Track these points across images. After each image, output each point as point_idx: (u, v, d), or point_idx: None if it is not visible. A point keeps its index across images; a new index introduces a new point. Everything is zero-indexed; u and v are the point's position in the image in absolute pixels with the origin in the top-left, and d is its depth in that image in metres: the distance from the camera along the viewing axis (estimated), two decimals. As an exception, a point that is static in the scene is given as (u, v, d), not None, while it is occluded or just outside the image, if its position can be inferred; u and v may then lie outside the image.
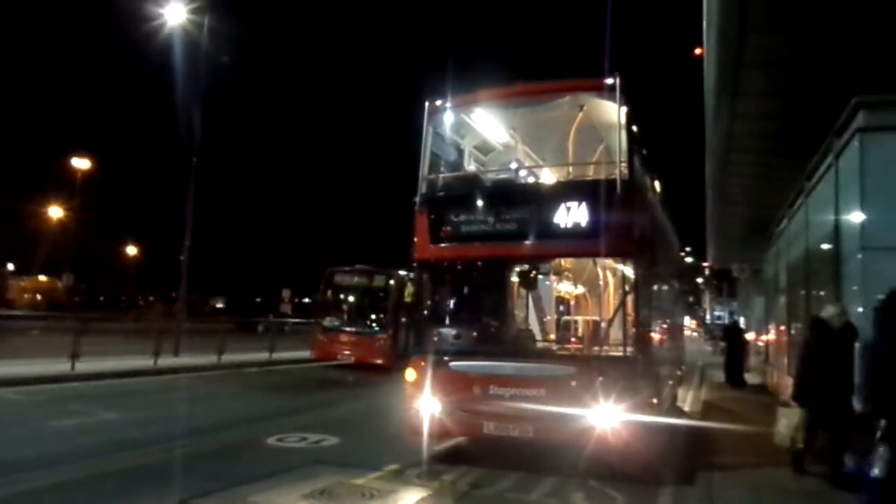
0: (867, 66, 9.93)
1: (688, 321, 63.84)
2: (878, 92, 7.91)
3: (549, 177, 9.71)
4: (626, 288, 7.58)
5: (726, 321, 38.68)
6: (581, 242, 7.54)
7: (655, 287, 9.67)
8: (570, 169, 9.49)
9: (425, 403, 7.74)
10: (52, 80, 74.22)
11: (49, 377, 13.66)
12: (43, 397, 11.94)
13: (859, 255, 7.83)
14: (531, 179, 9.28)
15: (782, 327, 15.41)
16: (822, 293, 10.20)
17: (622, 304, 7.66)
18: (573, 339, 10.40)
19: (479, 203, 8.02)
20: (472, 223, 7.99)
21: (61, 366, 14.53)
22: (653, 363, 8.49)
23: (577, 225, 7.37)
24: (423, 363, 7.95)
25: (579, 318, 11.40)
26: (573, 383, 7.15)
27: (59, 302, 39.61)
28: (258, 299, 58.31)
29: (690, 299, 64.67)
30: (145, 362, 16.48)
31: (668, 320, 11.92)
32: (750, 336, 25.64)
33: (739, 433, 10.86)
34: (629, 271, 7.58)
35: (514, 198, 8.15)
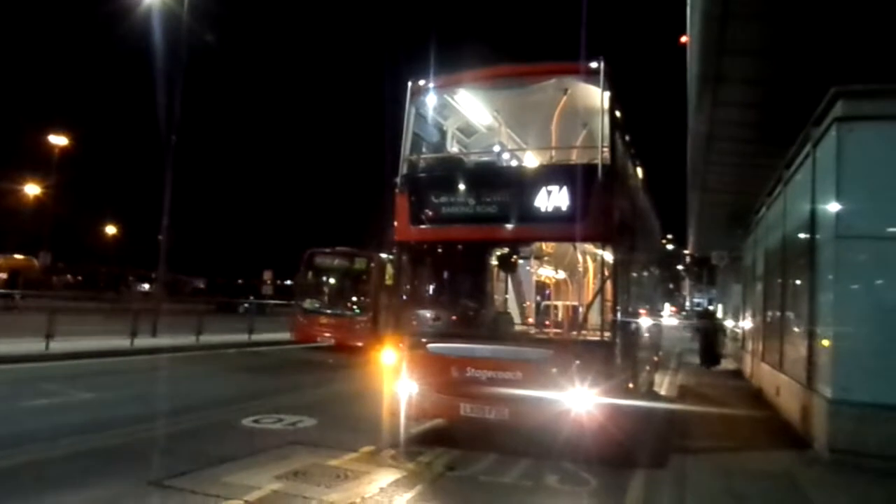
0: (847, 56, 9.99)
1: (668, 307, 64.60)
2: (857, 82, 7.95)
3: (531, 160, 9.68)
4: (605, 273, 7.60)
5: (710, 307, 39.14)
6: (561, 226, 7.52)
7: (634, 273, 9.70)
8: (553, 153, 9.47)
9: (403, 385, 7.78)
10: (28, 55, 72.62)
11: (23, 356, 13.51)
12: (16, 376, 11.80)
13: (834, 244, 7.91)
14: (513, 162, 9.26)
15: (759, 314, 15.60)
16: (797, 281, 10.31)
17: (601, 288, 7.69)
18: (552, 324, 10.42)
19: (461, 185, 7.99)
20: (453, 205, 7.96)
21: (36, 345, 14.36)
22: (629, 348, 8.54)
23: (557, 209, 7.36)
24: (401, 345, 7.97)
25: (559, 303, 11.47)
26: (550, 367, 7.20)
27: (36, 281, 39.03)
28: (240, 281, 57.90)
29: (671, 286, 65.42)
30: (122, 342, 16.33)
31: (646, 306, 12.01)
32: (728, 323, 25.98)
33: (714, 416, 10.99)
34: (608, 256, 7.61)
35: (495, 181, 8.12)
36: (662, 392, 14.09)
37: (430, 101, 8.85)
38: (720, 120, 14.07)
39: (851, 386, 7.49)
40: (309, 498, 5.77)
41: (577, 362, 7.08)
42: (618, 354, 7.52)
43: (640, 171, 11.13)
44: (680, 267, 57.15)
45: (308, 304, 20.76)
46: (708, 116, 14.11)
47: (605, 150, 7.42)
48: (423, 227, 8.11)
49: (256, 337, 21.13)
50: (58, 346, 14.55)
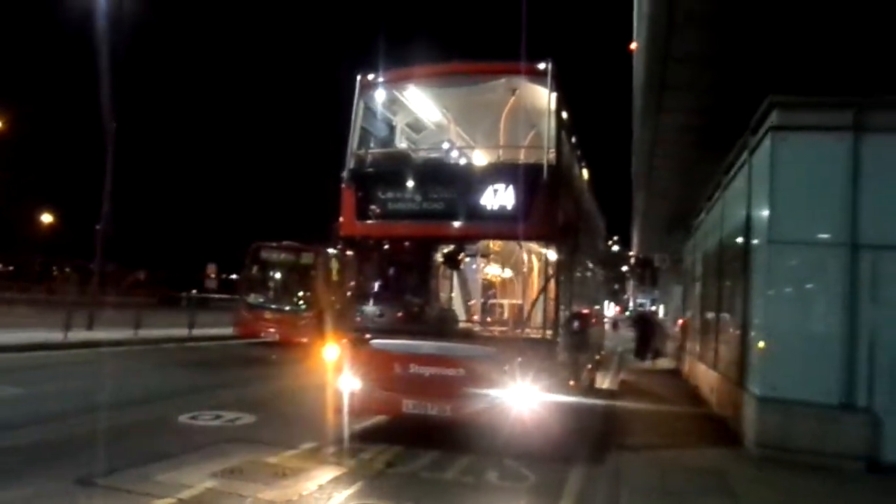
0: (787, 67, 10.39)
1: (613, 307, 65.95)
2: (796, 93, 8.28)
3: (479, 159, 9.77)
4: (549, 272, 7.70)
5: (651, 308, 40.23)
6: (506, 225, 7.55)
7: (578, 272, 9.85)
8: (501, 152, 9.54)
9: (345, 381, 7.76)
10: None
11: None
12: None
13: (766, 248, 8.22)
14: (461, 160, 9.30)
15: (696, 315, 16.07)
16: (732, 284, 10.67)
17: (544, 287, 7.78)
18: (496, 322, 10.47)
19: (408, 181, 7.99)
20: (399, 201, 7.96)
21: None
22: (571, 346, 8.69)
23: (502, 208, 7.42)
24: (344, 340, 7.95)
25: (505, 302, 11.50)
26: (492, 364, 7.28)
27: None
28: (183, 274, 56.40)
29: (616, 287, 66.87)
30: (55, 336, 15.71)
31: (588, 305, 12.18)
32: (669, 323, 26.73)
33: (652, 413, 11.33)
34: (552, 255, 7.70)
35: (442, 178, 8.15)
36: (605, 388, 14.44)
37: (380, 95, 8.80)
38: (664, 125, 14.45)
39: (778, 384, 7.80)
40: (245, 496, 5.67)
41: (519, 360, 7.17)
42: (559, 352, 7.63)
43: (585, 172, 11.32)
44: (625, 268, 58.44)
45: (252, 298, 20.39)
46: (652, 122, 14.48)
47: (551, 150, 7.52)
48: (368, 222, 8.07)
49: (198, 331, 20.62)
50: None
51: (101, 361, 13.82)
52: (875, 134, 7.82)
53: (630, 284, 63.84)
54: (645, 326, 23.16)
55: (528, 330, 8.23)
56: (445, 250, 9.03)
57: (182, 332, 20.16)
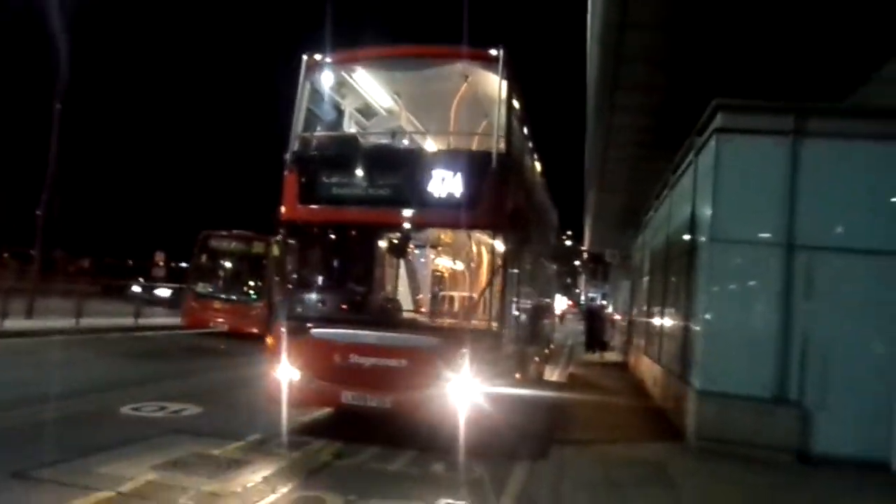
0: (735, 72, 10.71)
1: (565, 301, 66.88)
2: (743, 96, 8.54)
3: (428, 145, 9.64)
4: (496, 262, 7.61)
5: (601, 302, 41.01)
6: (452, 213, 7.37)
7: (527, 264, 9.83)
8: (451, 139, 9.38)
9: (284, 371, 7.58)
10: None
11: None
12: None
13: (709, 246, 8.48)
14: (409, 146, 9.10)
15: (643, 310, 16.47)
16: (676, 280, 10.98)
17: (491, 278, 7.67)
18: (443, 313, 10.37)
19: (352, 165, 7.78)
20: (343, 186, 7.77)
21: None
22: (518, 338, 8.67)
23: (450, 195, 7.27)
24: (283, 329, 7.71)
25: (455, 294, 11.37)
26: (434, 355, 7.15)
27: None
28: (130, 262, 54.80)
29: (568, 281, 67.86)
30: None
31: (537, 298, 12.21)
32: (617, 317, 27.35)
33: (597, 406, 11.44)
34: (499, 246, 7.58)
35: (387, 163, 7.95)
36: (553, 381, 14.69)
37: (326, 77, 8.57)
38: (616, 124, 14.71)
39: (718, 378, 8.09)
40: (187, 488, 5.59)
41: (462, 351, 7.03)
42: (504, 344, 7.54)
43: (537, 164, 11.35)
44: (577, 263, 59.35)
45: (201, 287, 20.00)
46: (605, 121, 14.73)
47: (501, 139, 7.40)
48: (311, 207, 7.85)
49: (144, 321, 20.14)
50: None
51: (40, 351, 13.40)
52: (814, 138, 8.14)
53: (582, 279, 64.89)
54: (594, 320, 23.79)
55: (472, 321, 8.06)
56: (390, 238, 8.75)
57: (127, 321, 19.65)
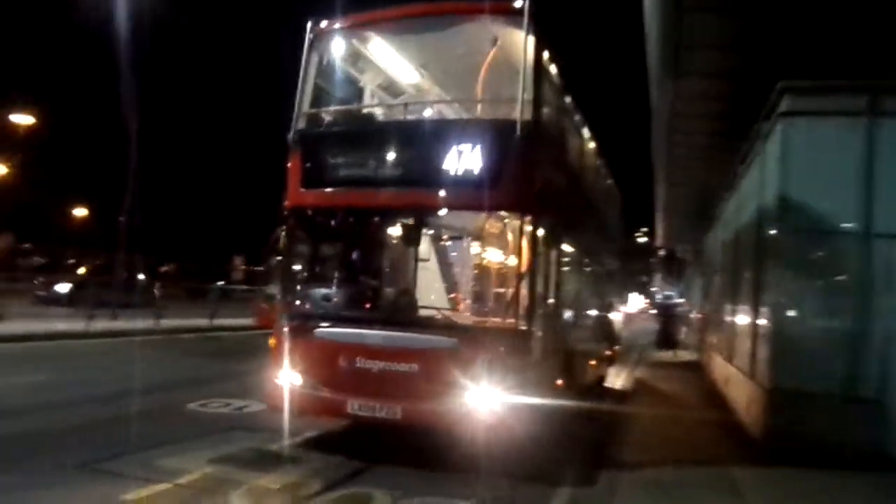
0: (801, 51, 10.11)
1: (639, 300, 64.97)
2: (813, 77, 8.04)
3: (445, 116, 8.68)
4: (525, 251, 6.39)
5: (675, 300, 39.77)
6: (468, 193, 6.43)
7: (575, 255, 8.88)
8: (470, 109, 8.35)
9: (285, 376, 6.80)
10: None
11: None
12: None
13: (778, 238, 8.04)
14: (422, 118, 8.09)
15: (715, 307, 15.82)
16: (746, 274, 10.47)
17: (521, 270, 6.47)
18: (485, 313, 8.95)
19: (360, 143, 7.12)
20: (348, 166, 7.02)
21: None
22: (559, 339, 7.59)
23: (466, 172, 6.34)
24: (286, 328, 6.96)
25: (501, 290, 9.41)
26: (447, 358, 6.21)
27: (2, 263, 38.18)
28: (212, 266, 57.20)
29: (643, 279, 66.08)
30: (79, 326, 16.06)
31: (593, 294, 11.19)
32: (692, 314, 26.44)
33: (660, 417, 10.19)
34: (528, 230, 6.34)
35: (400, 138, 7.07)
36: (616, 387, 13.66)
37: (337, 47, 7.75)
38: (681, 113, 14.20)
39: (790, 375, 7.62)
40: (241, 482, 5.74)
41: (484, 354, 6.09)
42: (535, 346, 6.50)
43: (589, 143, 10.31)
44: (651, 260, 57.73)
45: (269, 289, 20.58)
46: (668, 110, 14.23)
47: (528, 104, 6.37)
48: (315, 191, 7.12)
49: (220, 321, 20.93)
50: (9, 327, 14.30)
51: (121, 350, 14.12)
52: (891, 119, 7.57)
53: (657, 276, 63.09)
54: (667, 318, 23.65)
55: (497, 319, 7.00)
56: (404, 224, 7.75)
57: (203, 322, 20.48)
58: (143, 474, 5.76)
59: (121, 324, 17.89)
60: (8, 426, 7.20)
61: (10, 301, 17.53)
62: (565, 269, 8.09)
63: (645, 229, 47.71)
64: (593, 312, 11.48)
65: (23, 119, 39.09)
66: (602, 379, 13.04)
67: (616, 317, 15.85)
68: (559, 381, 7.52)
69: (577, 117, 9.24)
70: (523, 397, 6.07)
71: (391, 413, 6.33)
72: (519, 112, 6.32)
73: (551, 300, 7.27)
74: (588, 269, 10.50)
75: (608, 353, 13.68)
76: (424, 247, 8.37)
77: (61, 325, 15.97)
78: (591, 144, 10.62)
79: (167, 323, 18.83)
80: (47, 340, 14.46)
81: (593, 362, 11.25)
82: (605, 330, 13.05)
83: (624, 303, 23.89)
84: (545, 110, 6.80)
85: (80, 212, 56.87)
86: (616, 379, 14.75)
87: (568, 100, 8.37)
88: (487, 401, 6.01)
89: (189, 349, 15.91)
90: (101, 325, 16.78)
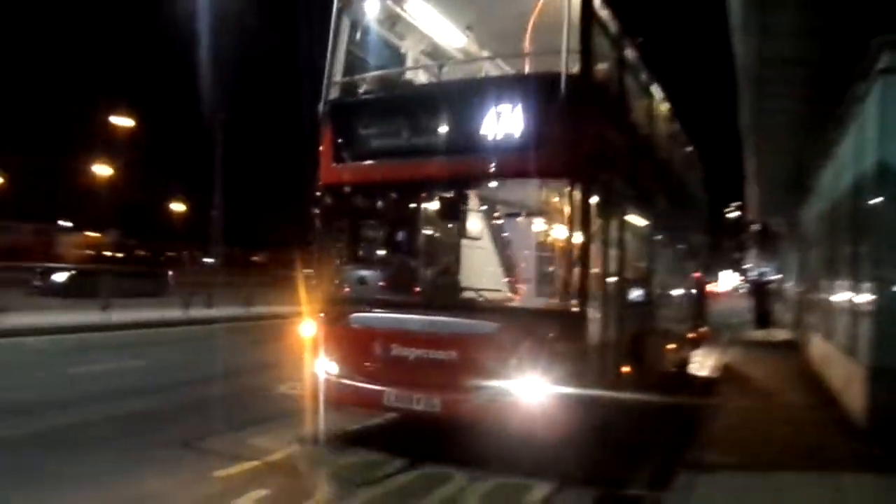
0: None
1: (734, 277, 62.14)
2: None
3: (486, 74, 7.94)
4: (578, 222, 5.56)
5: (771, 276, 37.94)
6: (512, 158, 5.76)
7: (642, 227, 8.01)
8: (514, 65, 7.59)
9: (321, 365, 6.44)
10: (92, 43, 75.40)
11: (83, 326, 14.33)
12: (71, 345, 12.59)
13: (877, 207, 7.49)
14: (454, 79, 7.36)
15: (812, 282, 14.96)
16: (844, 247, 9.82)
17: (576, 243, 5.60)
18: (525, 292, 8.29)
19: (394, 109, 6.54)
20: (381, 136, 6.50)
21: (93, 315, 15.22)
22: (621, 321, 6.66)
23: (509, 135, 5.71)
24: (321, 314, 6.59)
25: (549, 268, 8.17)
26: (491, 344, 5.64)
27: (105, 256, 41.05)
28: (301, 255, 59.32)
29: (736, 255, 63.37)
30: (177, 313, 17.07)
31: (671, 271, 10.05)
32: (788, 291, 25.18)
33: (751, 407, 8.95)
34: (578, 198, 5.54)
35: (434, 101, 6.47)
36: (700, 374, 12.45)
37: (372, 8, 7.17)
38: (768, 78, 13.39)
39: (892, 353, 7.12)
40: (324, 462, 6.01)
41: (528, 339, 5.51)
42: (593, 330, 5.81)
43: (661, 103, 9.47)
44: (745, 234, 55.23)
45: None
46: (755, 75, 13.46)
47: (574, 55, 5.60)
48: (349, 165, 6.59)
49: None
50: (116, 316, 15.38)
51: (214, 336, 14.90)
52: None
53: (749, 252, 60.32)
54: (760, 296, 22.68)
55: (546, 300, 6.38)
56: (443, 197, 6.84)
57: (293, 308, 21.24)
58: (235, 452, 6.11)
59: (216, 311, 18.87)
60: (116, 406, 7.85)
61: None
62: (632, 243, 7.33)
63: (737, 203, 45.67)
64: (672, 291, 10.53)
65: (123, 122, 41.73)
66: (685, 363, 11.96)
67: (703, 295, 14.88)
68: (625, 369, 6.77)
69: (645, 75, 8.47)
70: (577, 388, 5.37)
71: (429, 405, 5.82)
72: (564, 64, 5.57)
73: (613, 278, 6.52)
74: (664, 243, 9.53)
75: (693, 335, 12.50)
76: (474, 224, 7.53)
77: (163, 313, 17.02)
78: (664, 106, 9.80)
79: (257, 310, 19.70)
80: (149, 328, 15.46)
81: (673, 346, 10.27)
82: (688, 310, 12.12)
83: (714, 280, 22.93)
84: (598, 64, 6.10)
85: (179, 207, 60.02)
86: (703, 363, 13.57)
87: (631, 54, 7.58)
88: (534, 392, 5.42)
89: (278, 334, 16.53)
90: (198, 312, 17.76)
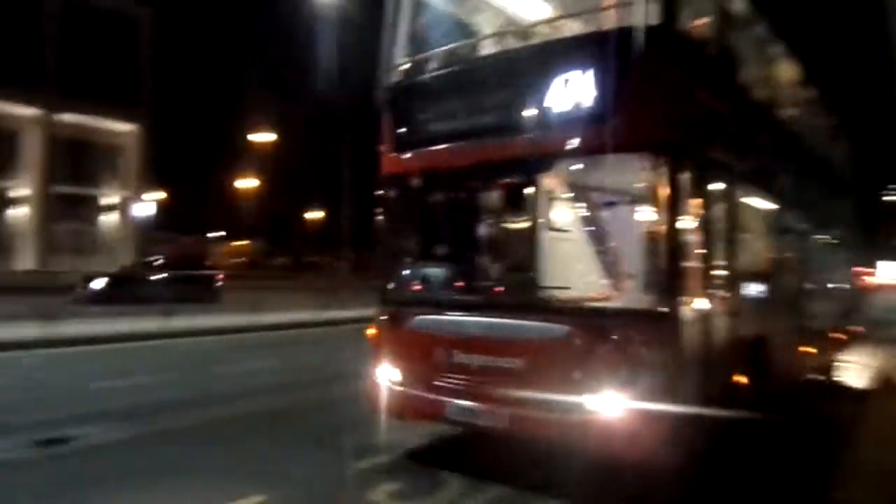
0: None
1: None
2: None
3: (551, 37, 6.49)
4: (666, 204, 4.66)
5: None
6: (583, 132, 4.91)
7: (763, 211, 7.00)
8: (580, 24, 6.26)
9: (383, 372, 5.95)
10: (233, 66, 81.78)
11: (231, 328, 15.76)
12: (221, 346, 14.00)
13: None
14: (521, 47, 6.24)
15: None
16: None
17: (666, 229, 4.71)
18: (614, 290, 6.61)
19: (456, 86, 5.88)
20: (443, 118, 5.90)
21: (242, 317, 16.61)
22: (732, 322, 5.62)
23: (576, 106, 4.93)
24: (383, 318, 6.09)
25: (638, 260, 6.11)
26: (560, 349, 4.91)
27: (255, 264, 44.39)
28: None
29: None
30: (315, 315, 18.24)
31: (802, 261, 8.66)
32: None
33: None
34: (664, 175, 4.64)
35: (492, 73, 5.74)
36: (852, 382, 10.56)
37: None
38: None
39: None
40: (448, 455, 6.16)
41: (608, 344, 4.71)
42: (690, 334, 4.86)
43: (786, 65, 8.19)
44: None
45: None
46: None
47: (655, 4, 4.68)
48: (413, 153, 6.04)
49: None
50: (260, 318, 16.77)
51: (347, 336, 15.66)
52: None
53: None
54: None
55: (636, 298, 5.19)
56: (503, 183, 6.06)
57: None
58: (363, 447, 6.31)
59: (348, 312, 19.83)
60: (260, 403, 8.48)
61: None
62: (752, 229, 6.42)
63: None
64: (809, 284, 9.13)
65: (266, 137, 45.04)
66: (828, 370, 10.22)
67: (854, 289, 13.16)
68: (740, 379, 5.74)
69: (762, 29, 7.26)
70: (667, 401, 4.47)
71: (492, 420, 5.17)
72: (643, 15, 4.66)
73: (722, 271, 5.55)
74: (797, 230, 8.41)
75: (839, 336, 10.80)
76: (560, 214, 6.42)
77: (298, 316, 18.18)
78: (793, 68, 8.50)
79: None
80: (286, 329, 16.58)
81: (810, 350, 8.80)
82: (832, 308, 10.45)
83: (870, 273, 20.71)
84: (689, 14, 5.27)
85: (317, 215, 63.76)
86: (856, 369, 11.40)
87: (742, 4, 6.53)
88: (616, 407, 4.59)
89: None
90: (333, 314, 18.80)
